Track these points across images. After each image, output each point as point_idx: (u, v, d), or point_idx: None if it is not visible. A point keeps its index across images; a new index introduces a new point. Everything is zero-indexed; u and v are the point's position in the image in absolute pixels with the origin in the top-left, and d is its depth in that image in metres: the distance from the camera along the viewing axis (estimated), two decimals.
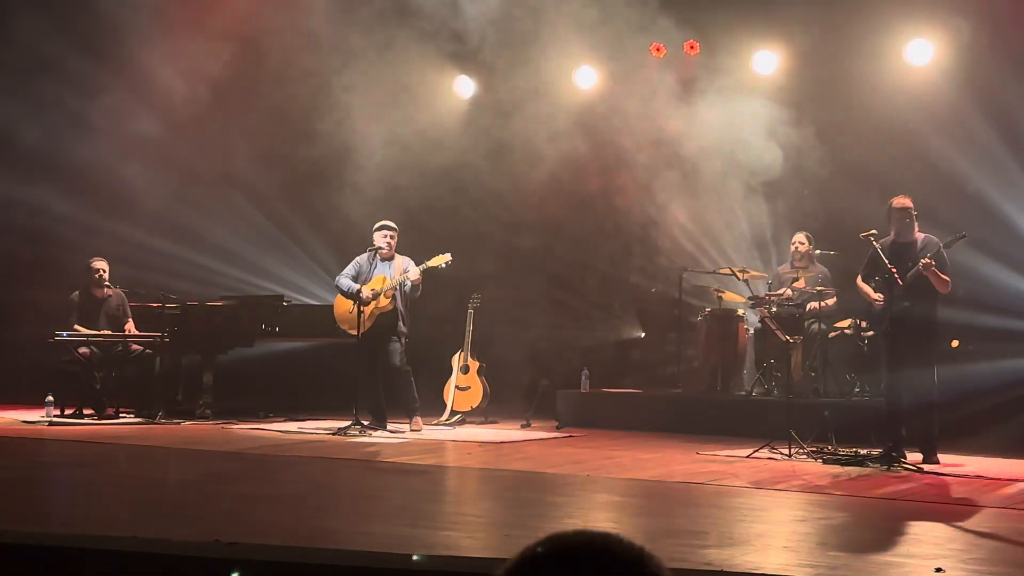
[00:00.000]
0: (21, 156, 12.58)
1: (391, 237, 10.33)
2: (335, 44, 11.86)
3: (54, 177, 12.70)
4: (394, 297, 10.19)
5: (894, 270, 8.08)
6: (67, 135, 12.35)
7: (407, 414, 10.26)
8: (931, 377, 8.29)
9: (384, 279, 10.19)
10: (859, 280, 8.59)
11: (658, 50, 12.12)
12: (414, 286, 10.15)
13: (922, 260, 8.04)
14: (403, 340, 10.29)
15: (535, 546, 1.64)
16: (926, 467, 7.91)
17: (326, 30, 11.91)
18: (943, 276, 8.14)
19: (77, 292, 11.15)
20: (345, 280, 10.25)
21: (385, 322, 10.21)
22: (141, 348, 11.08)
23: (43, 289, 12.38)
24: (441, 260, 10.25)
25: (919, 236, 8.40)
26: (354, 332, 10.03)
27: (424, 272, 10.14)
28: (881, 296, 8.27)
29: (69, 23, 12.16)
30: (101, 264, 11.13)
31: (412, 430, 10.10)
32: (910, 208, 8.39)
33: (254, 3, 12.34)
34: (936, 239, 8.31)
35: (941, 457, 8.25)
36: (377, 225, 10.41)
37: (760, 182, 11.53)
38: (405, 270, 10.19)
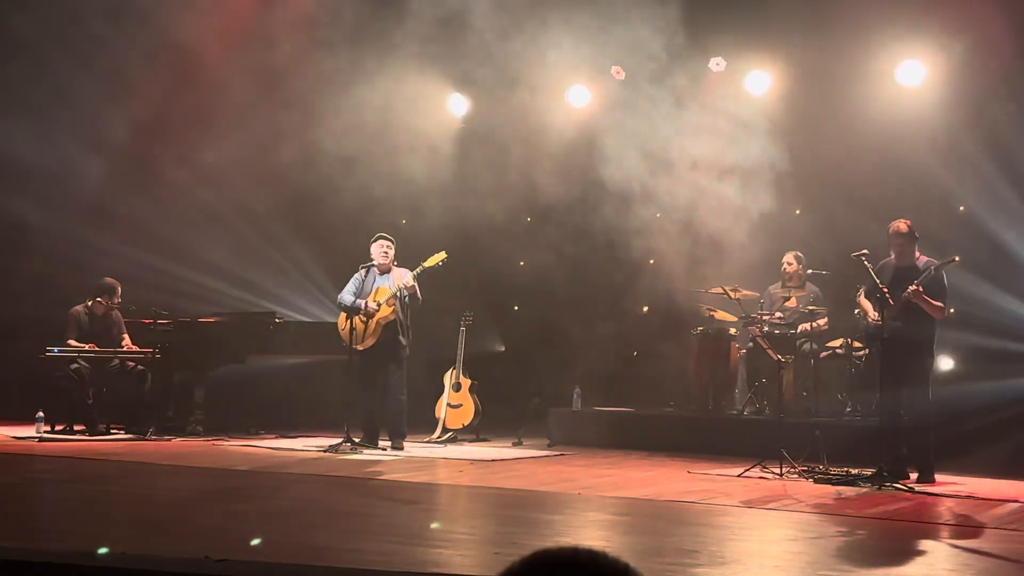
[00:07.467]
0: (17, 173, 12.54)
1: (388, 248, 10.25)
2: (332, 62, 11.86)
3: (52, 195, 12.68)
4: (395, 308, 10.11)
5: (885, 290, 8.12)
6: (67, 153, 12.33)
7: (391, 437, 10.21)
8: (925, 397, 8.30)
9: (386, 290, 10.11)
10: (861, 296, 8.55)
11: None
12: (412, 294, 10.05)
13: (909, 287, 8.07)
14: (405, 353, 10.18)
15: (521, 562, 1.65)
16: (917, 487, 7.91)
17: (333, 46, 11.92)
18: (933, 302, 8.14)
19: (81, 307, 11.09)
20: (348, 296, 10.15)
21: (388, 336, 10.10)
22: (134, 364, 11.05)
23: (35, 305, 12.33)
24: (437, 259, 10.19)
25: (921, 259, 8.41)
26: (361, 347, 10.00)
27: (421, 275, 10.06)
28: (876, 314, 8.27)
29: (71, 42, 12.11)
30: (117, 285, 11.12)
31: (392, 448, 10.06)
32: (904, 232, 8.40)
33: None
34: (935, 263, 8.31)
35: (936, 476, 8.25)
36: (374, 237, 10.35)
37: (752, 201, 11.54)
38: (403, 280, 10.12)
